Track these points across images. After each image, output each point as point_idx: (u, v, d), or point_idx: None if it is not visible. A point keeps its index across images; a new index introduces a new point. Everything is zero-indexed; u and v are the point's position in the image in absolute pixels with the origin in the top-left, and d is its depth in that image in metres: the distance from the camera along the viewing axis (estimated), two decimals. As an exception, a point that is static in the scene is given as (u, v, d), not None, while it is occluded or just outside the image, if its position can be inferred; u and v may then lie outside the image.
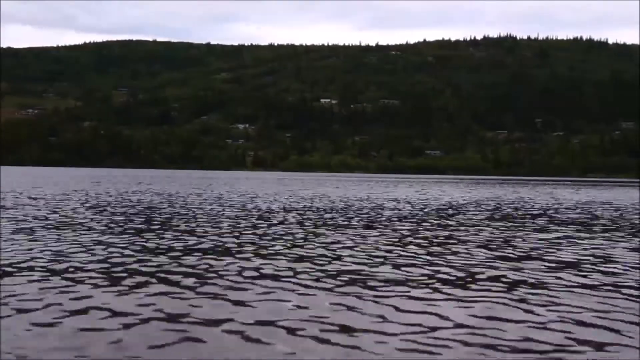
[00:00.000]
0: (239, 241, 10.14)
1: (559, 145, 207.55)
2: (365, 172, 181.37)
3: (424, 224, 13.92)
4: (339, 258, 8.50)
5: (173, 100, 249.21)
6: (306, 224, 13.33)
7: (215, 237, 10.57)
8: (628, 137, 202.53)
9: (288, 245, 9.79)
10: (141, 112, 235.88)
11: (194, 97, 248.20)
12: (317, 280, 6.91)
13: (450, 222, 14.40)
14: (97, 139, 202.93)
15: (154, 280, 6.75)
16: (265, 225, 12.91)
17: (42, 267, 7.44)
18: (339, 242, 10.29)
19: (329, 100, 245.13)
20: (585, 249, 10.19)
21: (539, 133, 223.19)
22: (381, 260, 8.39)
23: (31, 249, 8.76)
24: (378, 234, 11.57)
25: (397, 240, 10.69)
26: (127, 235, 10.64)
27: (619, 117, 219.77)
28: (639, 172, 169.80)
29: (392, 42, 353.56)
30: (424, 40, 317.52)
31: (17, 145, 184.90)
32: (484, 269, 7.86)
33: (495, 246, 10.26)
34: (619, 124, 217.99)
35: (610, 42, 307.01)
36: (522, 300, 6.03)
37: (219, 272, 7.27)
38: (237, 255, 8.57)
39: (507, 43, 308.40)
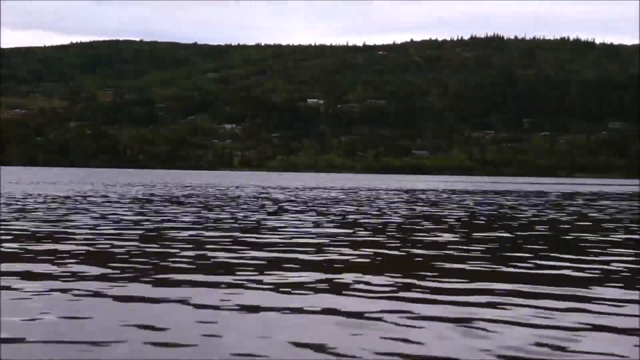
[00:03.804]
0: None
1: (546, 146, 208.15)
2: (351, 172, 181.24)
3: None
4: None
5: (159, 100, 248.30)
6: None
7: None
8: (616, 137, 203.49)
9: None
10: (127, 112, 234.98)
11: (180, 97, 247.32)
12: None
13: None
14: (83, 139, 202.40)
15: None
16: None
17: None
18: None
19: (315, 100, 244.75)
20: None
21: (526, 133, 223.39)
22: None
23: None
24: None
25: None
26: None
27: (607, 117, 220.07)
28: (625, 172, 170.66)
29: (379, 42, 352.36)
30: (411, 41, 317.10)
31: (3, 145, 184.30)
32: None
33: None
34: (606, 124, 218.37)
35: (597, 42, 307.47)
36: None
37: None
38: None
39: (495, 43, 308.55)
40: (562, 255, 9.96)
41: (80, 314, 5.57)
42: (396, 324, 5.36)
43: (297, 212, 19.26)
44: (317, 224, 14.97)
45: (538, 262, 9.25)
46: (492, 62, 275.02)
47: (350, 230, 13.73)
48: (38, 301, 6.06)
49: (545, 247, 11.41)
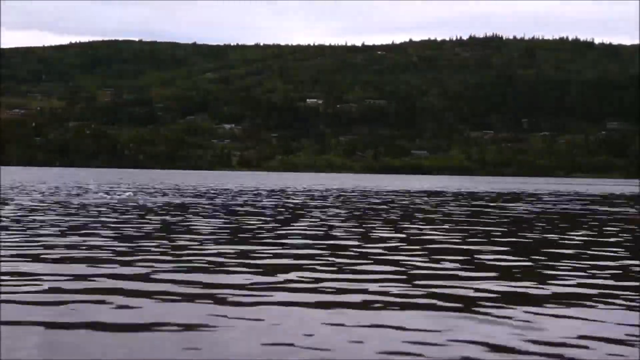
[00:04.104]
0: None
1: (545, 146, 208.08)
2: (350, 172, 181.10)
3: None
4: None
5: (159, 100, 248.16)
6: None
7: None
8: (616, 137, 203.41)
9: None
10: (127, 112, 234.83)
11: (180, 97, 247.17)
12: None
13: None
14: (82, 139, 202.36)
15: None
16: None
17: None
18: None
19: (315, 100, 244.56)
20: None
21: (526, 133, 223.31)
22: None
23: None
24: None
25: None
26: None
27: (606, 117, 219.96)
28: (625, 172, 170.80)
29: (378, 42, 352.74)
30: (410, 40, 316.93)
31: (3, 145, 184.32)
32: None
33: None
34: (605, 124, 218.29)
35: (597, 42, 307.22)
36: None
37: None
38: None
39: (494, 43, 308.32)
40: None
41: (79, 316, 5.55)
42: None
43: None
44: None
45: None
46: (492, 62, 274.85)
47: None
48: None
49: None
